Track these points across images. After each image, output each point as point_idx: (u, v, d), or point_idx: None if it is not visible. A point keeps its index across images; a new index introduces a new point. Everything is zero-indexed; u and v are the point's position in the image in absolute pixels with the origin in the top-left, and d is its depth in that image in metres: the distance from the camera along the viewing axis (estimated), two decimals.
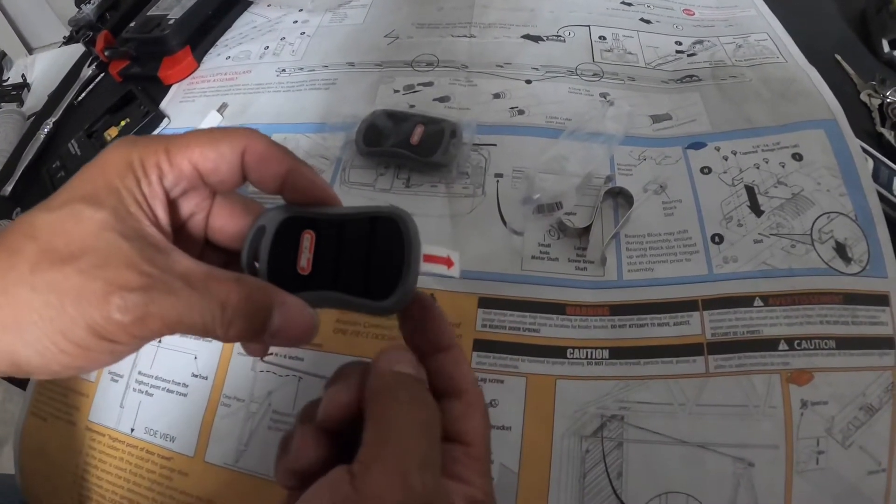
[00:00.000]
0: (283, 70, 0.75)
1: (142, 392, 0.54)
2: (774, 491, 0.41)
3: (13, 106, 1.05)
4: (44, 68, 1.13)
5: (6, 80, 1.14)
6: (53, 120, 0.86)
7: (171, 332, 0.26)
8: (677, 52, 0.67)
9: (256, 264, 0.30)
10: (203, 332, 0.26)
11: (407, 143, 0.57)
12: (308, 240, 0.29)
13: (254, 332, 0.28)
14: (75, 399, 0.56)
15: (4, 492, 0.56)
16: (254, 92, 0.73)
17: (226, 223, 0.33)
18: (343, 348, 0.50)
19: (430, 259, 0.29)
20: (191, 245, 0.33)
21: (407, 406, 0.27)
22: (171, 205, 0.30)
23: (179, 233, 0.32)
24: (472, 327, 0.49)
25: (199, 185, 0.30)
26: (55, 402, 0.57)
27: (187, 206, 0.32)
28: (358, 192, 0.59)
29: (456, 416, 0.29)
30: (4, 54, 1.20)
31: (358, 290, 0.28)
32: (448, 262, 0.30)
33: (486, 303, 0.50)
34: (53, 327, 0.24)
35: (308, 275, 0.29)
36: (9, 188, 0.80)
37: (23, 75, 1.13)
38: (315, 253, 0.29)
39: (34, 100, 1.07)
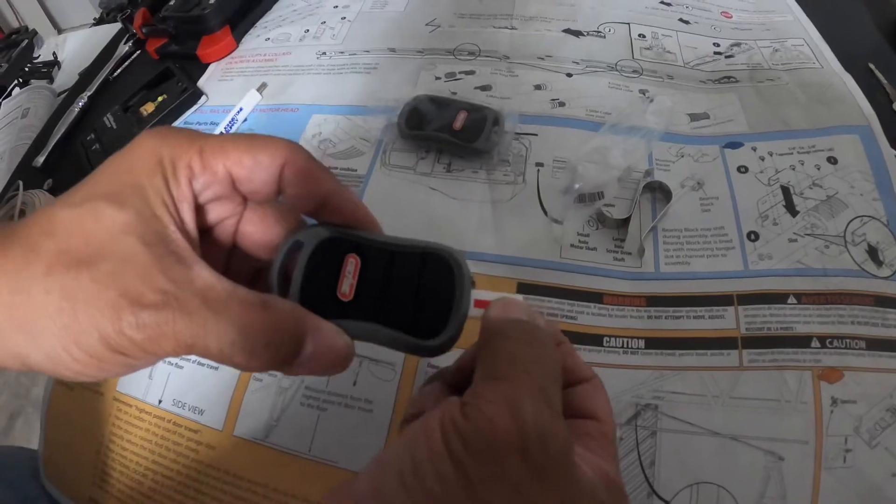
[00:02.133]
0: (324, 53, 0.76)
1: (172, 364, 0.54)
2: (803, 486, 0.41)
3: (44, 83, 1.06)
4: (74, 47, 1.14)
5: (37, 58, 1.15)
6: (88, 94, 0.86)
7: (188, 353, 0.24)
8: (715, 53, 0.68)
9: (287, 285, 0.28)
10: (220, 359, 0.24)
11: (450, 128, 0.58)
12: (353, 264, 0.27)
13: (279, 364, 0.25)
14: None
15: (16, 464, 0.55)
16: (293, 73, 0.74)
17: (257, 230, 0.30)
18: None
19: (480, 304, 0.27)
20: (217, 249, 0.30)
21: (517, 342, 0.25)
22: (199, 209, 0.28)
23: (206, 235, 0.29)
24: None
25: (231, 192, 0.28)
26: None
27: (216, 212, 0.29)
28: (399, 175, 0.59)
29: (585, 395, 0.29)
30: (36, 32, 1.20)
31: (403, 326, 0.26)
32: None
33: (525, 288, 0.51)
34: (66, 335, 0.23)
35: (349, 302, 0.26)
36: (41, 159, 0.80)
37: (54, 53, 1.13)
38: (359, 280, 0.27)
39: (64, 77, 1.07)
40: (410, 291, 0.26)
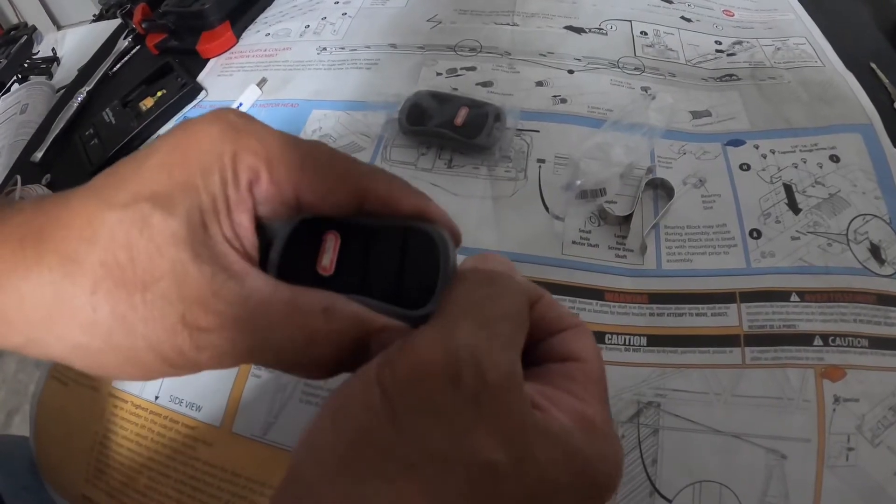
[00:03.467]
0: (325, 49, 0.75)
1: None
2: (805, 484, 0.41)
3: (42, 79, 1.05)
4: (74, 43, 1.13)
5: (36, 54, 1.15)
6: (87, 89, 0.86)
7: (250, 364, 0.23)
8: (717, 51, 0.68)
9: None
10: (285, 370, 0.24)
11: (451, 123, 0.57)
12: (332, 240, 0.26)
13: (344, 369, 0.24)
14: None
15: (16, 454, 0.55)
16: (293, 69, 0.74)
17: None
18: None
19: None
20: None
21: (472, 283, 0.24)
22: (256, 212, 0.25)
23: None
24: None
25: (293, 209, 0.25)
26: None
27: (272, 216, 0.26)
28: (400, 171, 0.59)
29: (567, 339, 0.26)
30: (35, 28, 1.20)
31: (388, 297, 0.25)
32: None
33: None
34: (118, 353, 0.22)
35: (329, 276, 0.25)
36: (39, 154, 0.80)
37: (53, 49, 1.13)
38: (340, 255, 0.26)
39: (63, 73, 1.07)
40: (394, 264, 0.26)
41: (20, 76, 1.08)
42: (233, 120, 0.24)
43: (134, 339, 0.22)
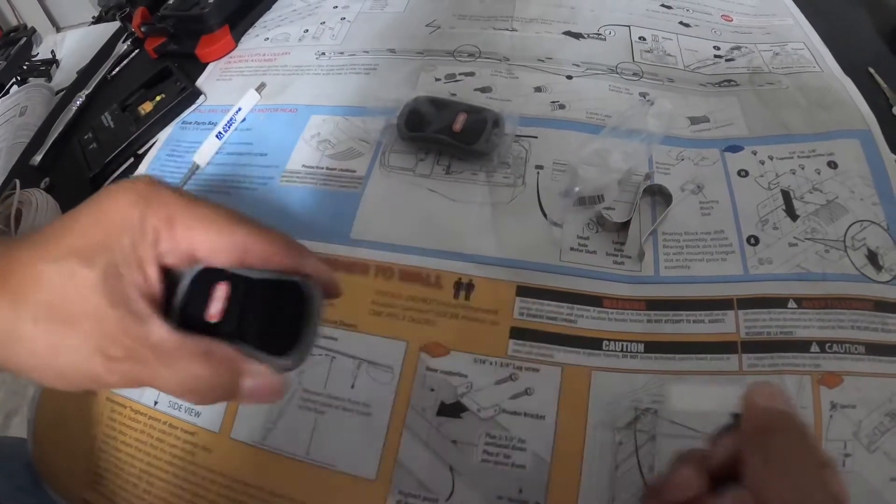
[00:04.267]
0: (323, 53, 0.75)
1: None
2: None
3: (42, 81, 1.05)
4: (73, 46, 1.14)
5: (35, 56, 1.15)
6: (86, 93, 0.86)
7: (150, 387, 0.29)
8: (716, 56, 0.68)
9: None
10: (178, 397, 0.29)
11: (449, 129, 0.57)
12: (222, 290, 0.30)
13: (223, 399, 0.29)
14: None
15: (13, 455, 0.55)
16: (292, 73, 0.74)
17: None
18: (379, 329, 0.51)
19: None
20: None
21: (789, 436, 0.29)
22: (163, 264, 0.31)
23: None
24: (509, 315, 0.50)
25: (191, 261, 0.31)
26: None
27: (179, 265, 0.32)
28: (398, 177, 0.59)
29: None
30: (34, 30, 1.20)
31: (260, 345, 0.30)
32: None
33: (525, 291, 0.51)
34: (53, 370, 0.28)
35: (216, 323, 0.30)
36: (38, 158, 0.80)
37: (52, 51, 1.13)
38: (228, 303, 0.30)
39: (62, 76, 1.07)
40: (267, 314, 0.30)
41: (19, 78, 1.08)
42: (141, 189, 0.29)
43: (63, 362, 0.28)
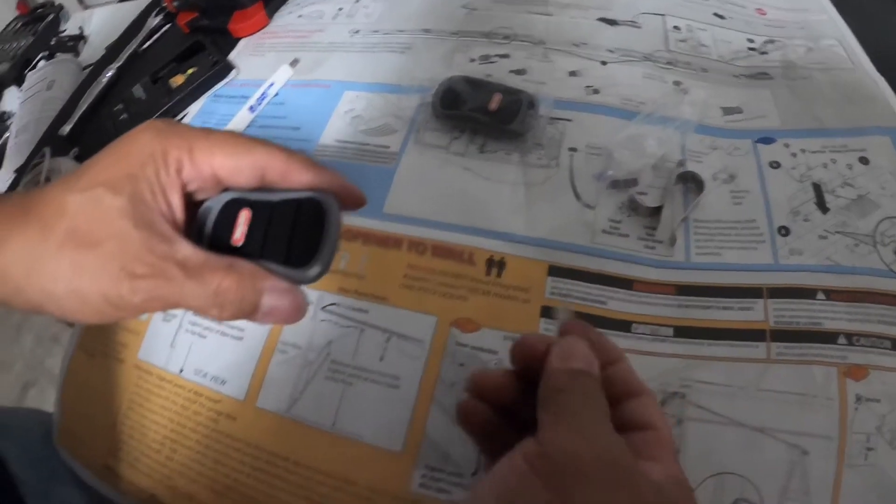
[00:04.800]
0: (357, 31, 0.76)
1: (195, 334, 0.55)
2: (825, 481, 0.41)
3: (69, 56, 1.06)
4: (100, 22, 1.14)
5: (63, 32, 1.15)
6: (117, 66, 0.87)
7: (174, 309, 0.30)
8: (749, 49, 0.68)
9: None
10: (201, 313, 0.30)
11: (485, 109, 0.58)
12: (244, 216, 0.32)
13: (245, 314, 0.31)
14: (125, 336, 0.57)
15: (29, 426, 0.56)
16: (326, 50, 0.74)
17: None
18: (409, 303, 0.51)
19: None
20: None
21: (581, 399, 0.31)
22: (188, 192, 0.33)
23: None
24: (541, 294, 0.50)
25: (215, 185, 0.33)
26: (104, 338, 0.58)
27: (204, 194, 0.34)
28: (432, 153, 0.60)
29: (640, 409, 0.33)
30: (62, 7, 1.21)
31: (280, 260, 0.31)
32: None
33: (556, 271, 0.51)
34: (75, 295, 0.29)
35: (240, 246, 0.32)
36: (67, 128, 0.81)
37: (80, 28, 1.14)
38: (249, 227, 0.32)
39: (90, 52, 1.08)
40: (287, 231, 0.32)
41: (47, 53, 1.09)
42: (161, 126, 0.32)
43: (87, 285, 0.29)
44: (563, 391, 0.31)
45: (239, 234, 0.32)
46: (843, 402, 0.44)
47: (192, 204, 0.33)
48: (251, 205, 0.33)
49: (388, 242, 0.55)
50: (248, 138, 0.33)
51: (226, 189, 0.34)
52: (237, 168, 0.32)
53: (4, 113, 1.07)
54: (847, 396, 0.44)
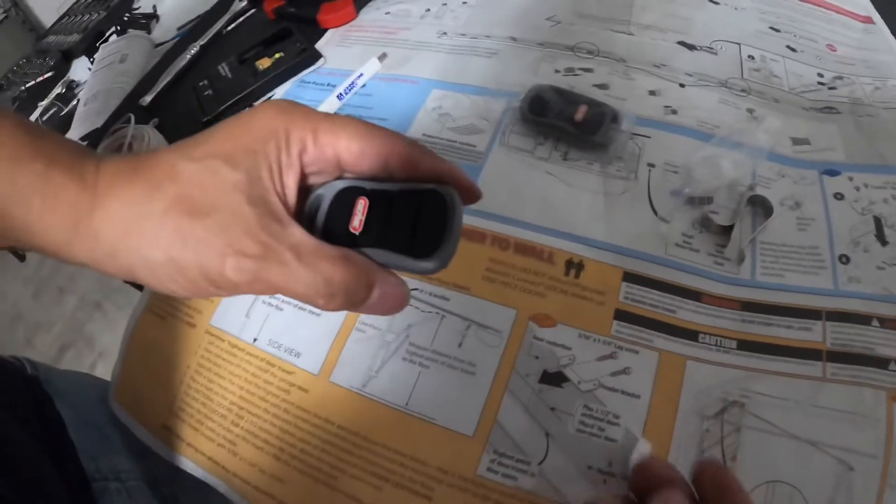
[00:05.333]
0: (445, 33, 0.79)
1: (271, 306, 0.57)
2: (868, 497, 0.43)
3: (142, 33, 1.09)
4: (172, 3, 1.17)
5: (137, 9, 1.19)
6: (201, 43, 0.90)
7: (274, 293, 0.30)
8: (819, 83, 0.71)
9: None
10: (304, 300, 0.29)
11: (571, 119, 0.61)
12: (362, 204, 0.32)
13: (352, 306, 0.30)
14: (199, 302, 0.59)
15: (81, 389, 0.57)
16: (413, 48, 0.77)
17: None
18: (490, 295, 0.54)
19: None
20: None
21: None
22: (304, 176, 0.32)
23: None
24: (615, 297, 0.53)
25: (335, 169, 0.32)
26: (176, 302, 0.60)
27: (319, 178, 0.33)
28: (517, 156, 0.63)
29: None
30: None
31: (402, 249, 0.31)
32: None
33: (631, 277, 0.54)
34: (172, 264, 0.28)
35: (359, 234, 0.31)
36: (148, 98, 0.85)
37: (154, 6, 1.17)
38: (367, 216, 0.31)
39: (161, 31, 1.11)
40: (409, 221, 0.31)
41: (118, 28, 1.12)
42: (285, 105, 0.31)
43: (187, 254, 0.28)
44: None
45: (357, 222, 0.31)
46: (889, 425, 0.46)
47: (302, 191, 0.32)
48: (367, 193, 0.32)
49: (473, 236, 0.57)
50: (372, 124, 0.32)
51: (338, 178, 0.34)
52: (362, 152, 0.31)
53: (73, 81, 1.11)
54: (894, 419, 0.46)
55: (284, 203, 0.31)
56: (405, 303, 0.32)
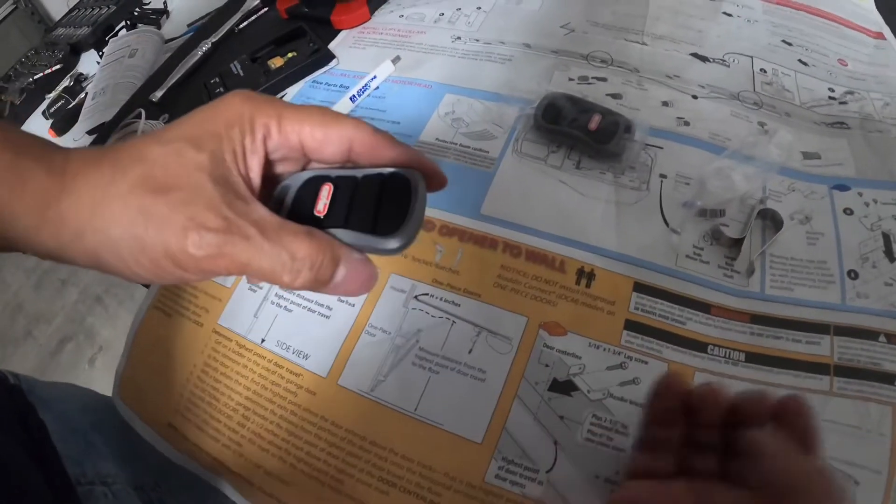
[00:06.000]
0: (459, 38, 0.79)
1: (280, 307, 0.57)
2: None
3: (152, 28, 1.10)
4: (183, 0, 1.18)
5: (147, 4, 1.19)
6: (213, 40, 0.90)
7: (239, 273, 0.30)
8: (829, 97, 0.71)
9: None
10: (270, 278, 0.30)
11: (584, 127, 0.61)
12: (326, 189, 0.33)
13: (319, 284, 0.31)
14: (207, 301, 0.59)
15: (66, 398, 0.55)
16: (427, 52, 0.77)
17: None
18: (500, 302, 0.54)
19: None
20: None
21: None
22: (269, 163, 0.33)
23: (270, 180, 0.34)
24: (625, 307, 0.53)
25: (300, 156, 0.34)
26: (183, 300, 0.60)
27: (283, 166, 0.35)
28: (530, 163, 0.63)
29: None
30: None
31: (366, 228, 0.31)
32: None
33: (641, 288, 0.54)
34: (136, 243, 0.28)
35: (323, 217, 0.32)
36: (158, 94, 0.85)
37: (164, 2, 1.17)
38: (332, 200, 0.32)
39: (171, 27, 1.11)
40: (372, 202, 0.32)
41: (128, 23, 1.12)
42: (250, 94, 0.32)
43: (150, 232, 0.28)
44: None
45: (322, 206, 0.32)
46: (894, 440, 0.46)
47: (268, 179, 0.33)
48: (333, 180, 0.33)
49: (485, 242, 0.58)
50: (336, 112, 0.33)
51: (304, 169, 0.35)
52: (326, 139, 0.32)
53: (81, 74, 1.11)
54: None
55: (249, 185, 0.31)
56: (373, 282, 0.33)
